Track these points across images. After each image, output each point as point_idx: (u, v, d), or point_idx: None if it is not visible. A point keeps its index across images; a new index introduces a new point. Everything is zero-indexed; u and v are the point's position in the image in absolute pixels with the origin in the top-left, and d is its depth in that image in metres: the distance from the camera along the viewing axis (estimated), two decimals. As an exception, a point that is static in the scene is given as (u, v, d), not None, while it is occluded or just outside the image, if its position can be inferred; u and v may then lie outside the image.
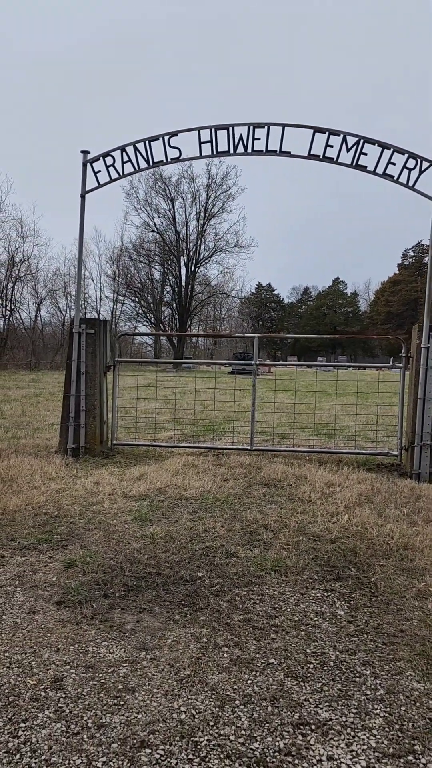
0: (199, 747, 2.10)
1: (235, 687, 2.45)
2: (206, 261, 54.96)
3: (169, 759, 2.03)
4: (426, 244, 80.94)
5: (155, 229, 53.44)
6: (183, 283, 53.98)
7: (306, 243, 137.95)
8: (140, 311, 56.13)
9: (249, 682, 2.50)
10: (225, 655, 2.70)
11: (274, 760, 2.05)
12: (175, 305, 55.52)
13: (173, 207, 52.88)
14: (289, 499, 5.27)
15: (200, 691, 2.42)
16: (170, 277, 55.37)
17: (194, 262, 53.84)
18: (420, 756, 2.08)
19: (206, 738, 2.15)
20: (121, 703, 2.33)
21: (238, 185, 59.46)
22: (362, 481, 5.89)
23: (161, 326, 56.56)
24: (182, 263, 54.09)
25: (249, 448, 7.29)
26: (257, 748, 2.11)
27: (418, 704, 2.38)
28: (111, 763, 2.01)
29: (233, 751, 2.08)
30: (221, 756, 2.06)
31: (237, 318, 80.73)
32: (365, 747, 2.12)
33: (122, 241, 57.98)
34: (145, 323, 56.54)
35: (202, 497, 5.23)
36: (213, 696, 2.39)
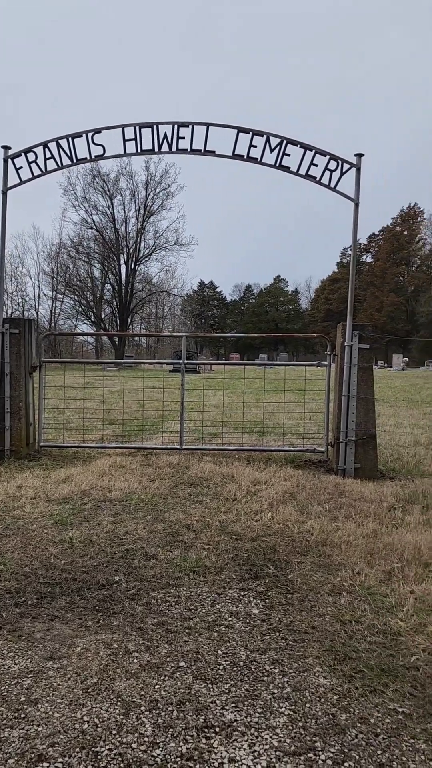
0: (99, 757, 2.06)
1: (142, 693, 2.43)
2: (146, 259, 54.60)
3: (66, 772, 1.99)
4: (364, 242, 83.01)
5: (94, 226, 52.69)
6: (123, 281, 53.41)
7: (248, 241, 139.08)
8: (80, 309, 55.24)
9: (157, 687, 2.47)
10: (135, 660, 2.66)
11: (176, 765, 2.03)
12: (115, 303, 54.87)
13: (112, 204, 52.28)
14: (214, 498, 5.28)
15: (105, 699, 2.38)
16: (110, 275, 54.72)
17: (134, 259, 53.37)
18: (320, 752, 2.11)
19: (108, 747, 2.11)
20: (22, 716, 2.27)
21: (177, 183, 59.07)
22: (288, 479, 5.96)
23: (102, 325, 55.80)
24: (122, 261, 53.54)
25: (179, 447, 7.27)
26: (159, 754, 2.08)
27: (322, 700, 2.41)
28: (5, 781, 1.94)
29: (134, 760, 2.05)
30: (122, 765, 2.03)
31: (179, 316, 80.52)
32: (267, 747, 2.13)
33: (61, 238, 56.74)
34: (85, 321, 55.68)
35: (126, 499, 5.17)
36: (118, 703, 2.36)
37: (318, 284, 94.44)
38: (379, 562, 3.82)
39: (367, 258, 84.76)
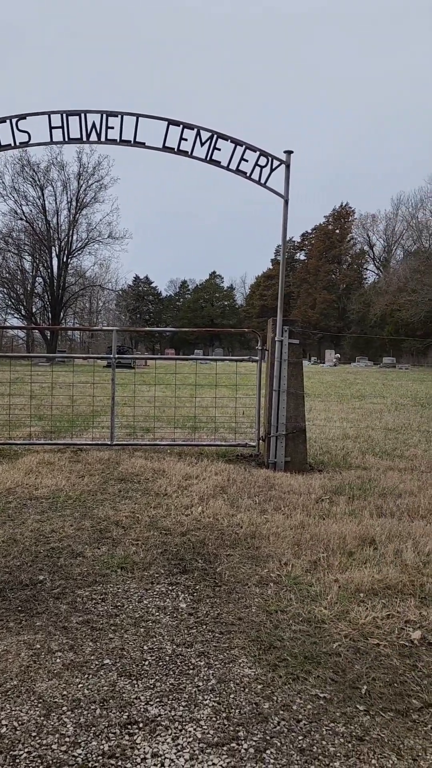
0: (17, 761, 2.01)
1: (65, 693, 2.38)
2: (79, 252, 53.42)
3: (-18, 778, 1.92)
4: (297, 240, 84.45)
5: (24, 218, 51.12)
6: (55, 275, 52.15)
7: (183, 236, 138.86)
8: (9, 303, 53.56)
9: (80, 686, 2.43)
10: (58, 660, 2.61)
11: (97, 764, 2.00)
12: (47, 297, 53.52)
13: (43, 195, 50.81)
14: (144, 493, 5.25)
15: (26, 701, 2.32)
16: (41, 268, 53.25)
17: (66, 252, 52.14)
18: (243, 742, 2.13)
19: (26, 750, 2.05)
20: None
21: (111, 175, 58.18)
22: (219, 473, 6.00)
23: (33, 319, 54.32)
24: (54, 253, 52.22)
25: (109, 443, 7.18)
26: (80, 754, 2.05)
27: (246, 690, 2.43)
28: None
29: (54, 761, 2.01)
30: (41, 767, 1.98)
31: (114, 311, 79.52)
32: (191, 739, 2.13)
33: (-12, 229, 54.83)
34: (15, 315, 54.05)
35: (53, 496, 5.06)
36: (39, 704, 2.30)
37: (253, 280, 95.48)
38: (306, 553, 3.89)
39: (301, 256, 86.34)
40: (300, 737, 2.16)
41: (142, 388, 14.05)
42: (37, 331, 54.92)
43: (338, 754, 2.08)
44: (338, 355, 57.83)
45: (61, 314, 53.73)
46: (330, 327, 71.08)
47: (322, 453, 7.44)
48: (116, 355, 7.30)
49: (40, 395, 11.66)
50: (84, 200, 51.60)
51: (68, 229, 51.99)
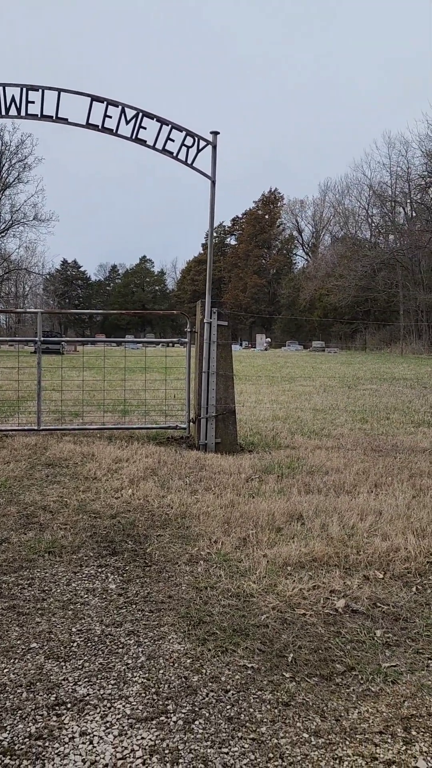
0: None
1: (-10, 678, 2.33)
2: (3, 234, 51.65)
3: None
4: (228, 225, 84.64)
5: None
6: (-22, 257, 50.21)
7: (112, 220, 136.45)
8: None
9: (5, 670, 2.38)
10: (-18, 646, 2.55)
11: (23, 746, 1.97)
12: (-30, 280, 51.50)
13: (-37, 173, 48.75)
14: (73, 478, 5.17)
15: None
16: (-36, 250, 51.19)
17: (-10, 234, 50.30)
18: (172, 715, 2.15)
19: None
20: None
21: (35, 155, 56.42)
22: (150, 455, 5.98)
23: None
24: (-24, 235, 50.26)
25: (36, 428, 7.02)
26: (6, 737, 2.01)
27: (176, 665, 2.45)
28: None
29: (-22, 747, 1.96)
30: (-36, 754, 1.93)
31: (42, 295, 77.45)
32: (120, 716, 2.13)
33: None
34: None
35: (-23, 483, 4.91)
36: (-38, 692, 2.24)
37: (184, 265, 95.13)
38: (236, 530, 3.95)
39: (231, 240, 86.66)
40: (228, 707, 2.20)
41: (72, 374, 13.79)
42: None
43: (265, 720, 2.13)
44: (269, 339, 58.67)
45: (-14, 299, 51.82)
46: (261, 311, 71.94)
47: (252, 434, 7.54)
48: (42, 338, 7.12)
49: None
50: (7, 180, 49.80)
51: (-9, 210, 50.08)
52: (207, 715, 2.15)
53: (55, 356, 21.44)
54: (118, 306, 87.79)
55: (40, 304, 70.68)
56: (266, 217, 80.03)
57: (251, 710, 2.18)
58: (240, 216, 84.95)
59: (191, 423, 7.02)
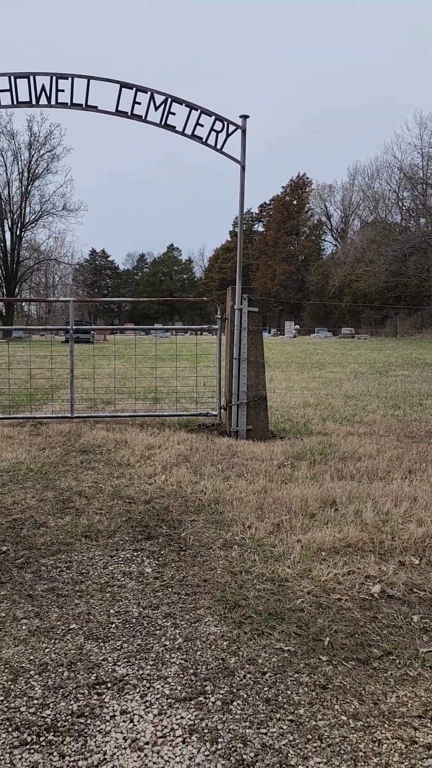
0: (-14, 725, 2.01)
1: (32, 657, 2.38)
2: (32, 225, 52.16)
3: None
4: (255, 211, 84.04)
5: (-26, 189, 49.50)
6: (8, 248, 50.79)
7: (140, 208, 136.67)
8: (-37, 278, 52.08)
9: (47, 650, 2.44)
10: (24, 627, 2.61)
11: (66, 723, 2.02)
12: (0, 272, 52.18)
13: (-8, 165, 49.26)
14: (107, 464, 5.23)
15: (-8, 668, 2.31)
16: (-6, 242, 51.84)
17: (19, 225, 50.83)
18: (210, 695, 2.18)
19: (-5, 714, 2.06)
20: None
21: (63, 145, 56.74)
22: (182, 442, 6.02)
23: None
24: (6, 227, 50.83)
25: (70, 416, 7.11)
26: (49, 715, 2.06)
27: (213, 647, 2.48)
28: None
29: (23, 722, 2.02)
30: (9, 729, 1.99)
31: (71, 285, 78.17)
32: (159, 696, 2.17)
33: None
34: (-32, 291, 52.58)
35: (14, 469, 5.00)
36: (6, 670, 2.30)
37: (212, 253, 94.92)
38: (269, 516, 3.96)
39: (259, 227, 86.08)
40: (266, 688, 2.22)
41: (102, 362, 13.91)
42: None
43: (302, 702, 2.14)
44: (298, 326, 58.29)
45: (17, 289, 52.56)
46: (290, 298, 71.46)
47: (283, 421, 7.53)
48: (74, 326, 7.19)
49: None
50: (36, 171, 50.21)
51: (20, 201, 50.65)
52: (245, 696, 2.17)
53: (85, 345, 21.64)
54: (146, 295, 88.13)
55: (69, 294, 71.38)
56: (294, 202, 79.22)
57: (288, 692, 2.20)
58: (268, 202, 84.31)
59: (222, 410, 7.03)
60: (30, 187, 50.64)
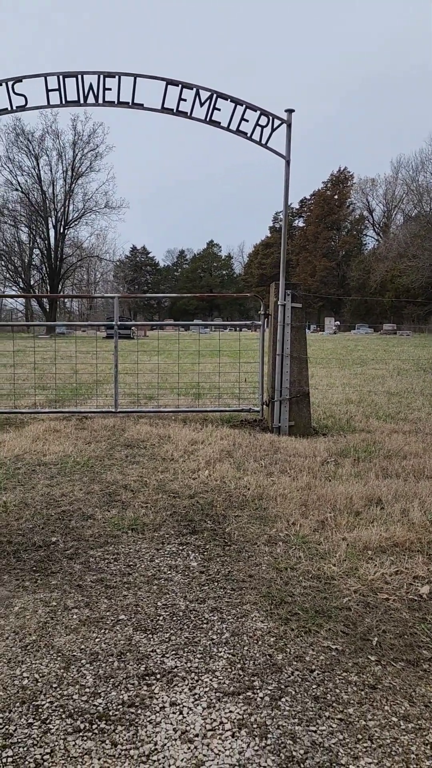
0: (40, 710, 2.06)
1: (83, 647, 2.43)
2: (76, 222, 52.82)
3: (7, 726, 1.98)
4: (296, 207, 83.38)
5: (19, 188, 50.41)
6: (52, 246, 51.64)
7: (180, 205, 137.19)
8: (8, 275, 53.20)
9: (97, 640, 2.48)
10: (74, 616, 2.66)
11: (117, 712, 2.05)
12: (44, 269, 53.09)
13: (38, 164, 50.00)
14: (151, 458, 5.29)
15: (45, 655, 2.37)
16: (38, 239, 52.74)
17: (63, 223, 51.56)
18: (258, 691, 2.18)
19: (48, 700, 2.11)
20: (-41, 677, 2.23)
21: (106, 143, 57.36)
22: (225, 438, 6.03)
23: (31, 291, 54.01)
24: (50, 224, 51.65)
25: (114, 410, 7.20)
26: (101, 703, 2.10)
27: (260, 643, 2.48)
28: None
29: (76, 710, 2.06)
30: (63, 716, 2.03)
31: (112, 282, 79.03)
32: (208, 689, 2.18)
33: (-17, 200, 54.17)
34: (13, 288, 53.71)
35: (61, 462, 5.10)
36: (58, 658, 2.35)
37: (251, 249, 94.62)
38: (313, 513, 3.94)
39: (299, 222, 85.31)
40: (314, 686, 2.21)
41: (143, 358, 14.04)
42: (36, 303, 54.62)
43: (352, 702, 2.13)
44: (338, 322, 57.67)
45: (60, 286, 53.40)
46: (330, 294, 70.72)
47: (325, 417, 7.47)
48: (118, 322, 7.28)
49: (41, 366, 11.66)
50: (79, 169, 50.84)
51: (64, 199, 51.35)
52: (293, 693, 2.17)
53: (126, 341, 21.87)
54: (186, 291, 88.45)
55: (111, 290, 72.20)
56: (335, 197, 78.27)
57: (337, 691, 2.19)
58: (308, 197, 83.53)
59: (264, 406, 7.02)
60: (73, 185, 51.28)
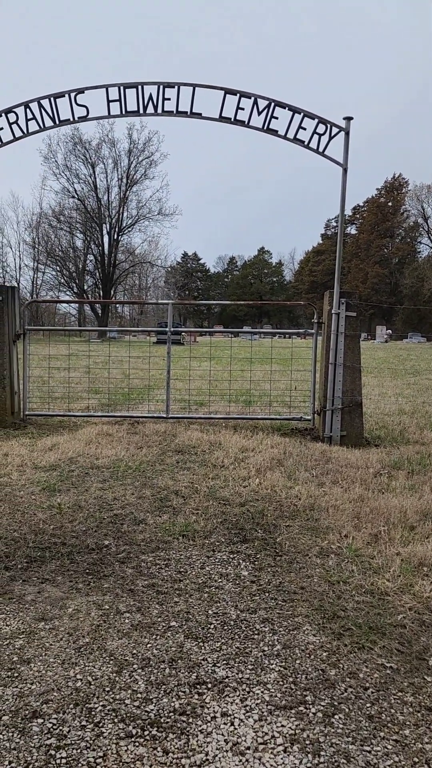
0: (93, 713, 2.08)
1: (135, 651, 2.45)
2: (129, 229, 53.79)
3: (61, 727, 2.00)
4: (348, 214, 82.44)
5: (76, 195, 51.69)
6: (106, 252, 52.66)
7: (231, 212, 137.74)
8: (62, 281, 54.49)
9: (149, 645, 2.49)
10: (126, 620, 2.68)
11: (169, 720, 2.06)
12: (98, 274, 54.18)
13: (94, 172, 51.23)
14: (202, 465, 5.30)
15: (98, 658, 2.39)
16: (93, 246, 53.92)
17: (117, 230, 52.57)
18: (310, 706, 2.15)
19: (101, 704, 2.13)
20: (15, 675, 2.28)
21: (160, 151, 58.08)
22: (275, 446, 5.99)
23: (85, 296, 55.17)
24: (105, 231, 52.72)
25: (165, 416, 7.26)
26: (152, 710, 2.11)
27: (312, 657, 2.45)
28: (0, 736, 1.95)
29: (128, 715, 2.07)
30: (115, 720, 2.05)
31: (163, 287, 79.83)
32: (259, 701, 2.16)
33: (41, 207, 55.82)
34: (68, 293, 54.97)
35: (113, 466, 5.17)
36: (111, 662, 2.37)
37: (302, 256, 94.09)
38: (366, 526, 3.86)
39: (352, 230, 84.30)
40: (368, 704, 2.16)
41: (192, 364, 14.11)
42: (89, 307, 55.73)
43: (407, 723, 2.07)
44: (389, 331, 56.66)
45: (112, 291, 54.34)
46: (381, 302, 69.57)
47: (378, 428, 7.33)
48: (172, 329, 7.33)
49: (93, 370, 11.86)
50: (134, 177, 51.76)
51: (119, 206, 52.36)
52: (346, 710, 2.13)
53: (177, 346, 22.03)
54: (236, 297, 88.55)
55: (161, 296, 72.93)
56: (389, 204, 77.05)
57: (392, 711, 2.13)
58: (361, 204, 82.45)
59: (316, 415, 6.94)
60: (128, 192, 52.25)
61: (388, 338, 50.90)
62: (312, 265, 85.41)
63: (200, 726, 2.03)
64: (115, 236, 52.64)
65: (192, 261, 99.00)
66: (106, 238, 52.76)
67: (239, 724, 2.04)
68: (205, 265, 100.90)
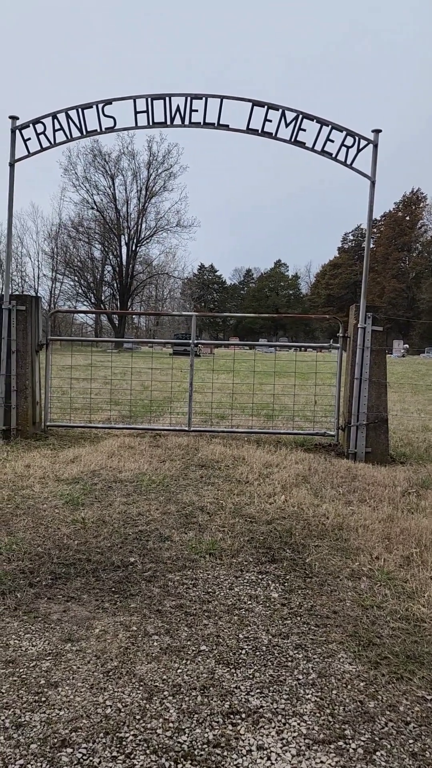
0: (124, 743, 1.99)
1: (165, 677, 2.36)
2: (147, 240, 54.17)
3: (91, 758, 1.92)
4: (364, 227, 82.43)
5: (95, 207, 52.19)
6: (124, 263, 53.00)
7: (248, 224, 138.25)
8: (80, 291, 54.89)
9: (179, 671, 2.40)
10: (155, 643, 2.60)
11: (203, 752, 1.96)
12: (115, 285, 54.51)
13: (113, 184, 51.73)
14: (226, 480, 5.21)
15: (128, 683, 2.31)
16: (111, 256, 54.32)
17: (135, 241, 52.94)
18: (350, 741, 2.05)
19: (132, 733, 2.04)
20: (43, 699, 2.20)
21: (179, 163, 58.61)
22: (300, 462, 5.89)
23: (102, 306, 55.49)
24: (123, 242, 53.10)
25: (187, 429, 7.18)
26: (185, 741, 2.02)
27: (349, 687, 2.34)
28: (28, 766, 1.87)
29: (160, 746, 1.98)
30: (147, 752, 1.96)
31: (179, 299, 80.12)
32: (296, 734, 2.07)
33: (60, 218, 56.27)
34: (85, 303, 55.32)
35: (137, 479, 5.09)
36: (141, 688, 2.29)
37: (318, 269, 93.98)
38: (398, 547, 3.75)
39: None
40: (410, 741, 2.06)
41: (210, 376, 14.04)
42: (105, 318, 56.03)
43: (454, 762, 1.96)
44: (407, 345, 56.27)
45: (129, 302, 54.62)
46: (398, 316, 69.15)
47: (402, 444, 7.20)
48: (195, 341, 7.27)
49: (112, 381, 11.83)
50: (153, 189, 52.16)
51: (137, 217, 52.75)
52: (388, 746, 2.02)
53: (194, 358, 21.99)
54: (252, 310, 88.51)
55: (177, 307, 73.14)
56: (407, 218, 76.91)
57: (437, 748, 2.02)
58: (378, 219, 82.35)
59: (340, 430, 6.83)
60: (147, 204, 52.66)
61: (405, 353, 50.53)
62: (328, 278, 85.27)
63: (236, 760, 1.94)
64: (134, 247, 53.01)
65: (208, 273, 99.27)
66: (124, 249, 53.17)
67: (276, 759, 1.95)
68: (221, 277, 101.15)
